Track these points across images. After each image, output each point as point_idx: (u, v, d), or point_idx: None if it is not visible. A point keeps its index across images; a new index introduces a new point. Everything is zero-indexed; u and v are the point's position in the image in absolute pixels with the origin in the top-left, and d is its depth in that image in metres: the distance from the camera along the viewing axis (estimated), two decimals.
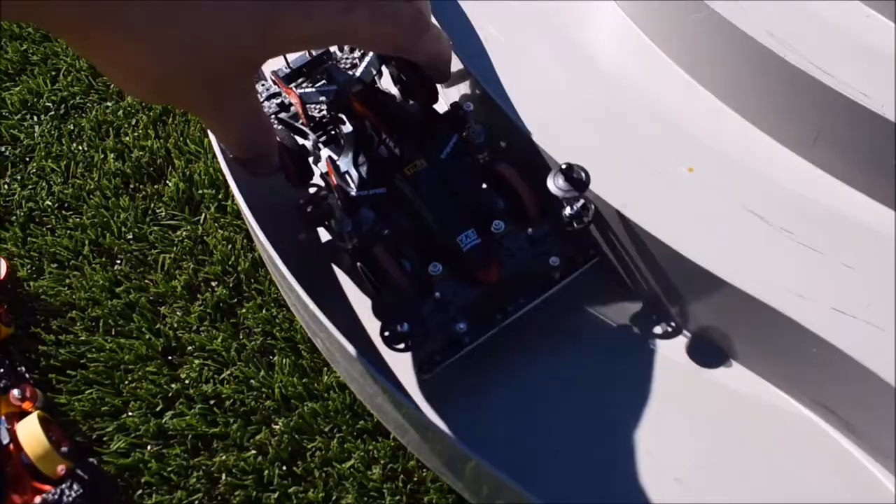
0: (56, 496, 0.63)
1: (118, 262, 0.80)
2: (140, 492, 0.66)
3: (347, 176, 0.48)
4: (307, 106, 0.51)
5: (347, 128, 0.48)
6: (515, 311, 0.48)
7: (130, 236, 0.81)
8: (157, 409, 0.69)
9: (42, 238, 0.82)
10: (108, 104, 0.93)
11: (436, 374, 0.48)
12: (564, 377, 0.50)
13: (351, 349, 0.48)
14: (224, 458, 0.66)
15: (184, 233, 0.80)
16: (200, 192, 0.82)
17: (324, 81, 0.52)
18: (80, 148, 0.89)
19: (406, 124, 0.47)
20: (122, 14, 0.30)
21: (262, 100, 0.53)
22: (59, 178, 0.87)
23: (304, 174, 0.49)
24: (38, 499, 0.64)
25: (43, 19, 0.30)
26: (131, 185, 0.85)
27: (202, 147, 0.86)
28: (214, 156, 0.83)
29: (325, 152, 0.50)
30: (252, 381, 0.69)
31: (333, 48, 0.53)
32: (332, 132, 0.51)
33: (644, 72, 0.57)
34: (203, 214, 0.81)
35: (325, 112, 0.51)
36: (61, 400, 0.71)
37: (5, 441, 0.66)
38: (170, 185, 0.83)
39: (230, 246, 0.77)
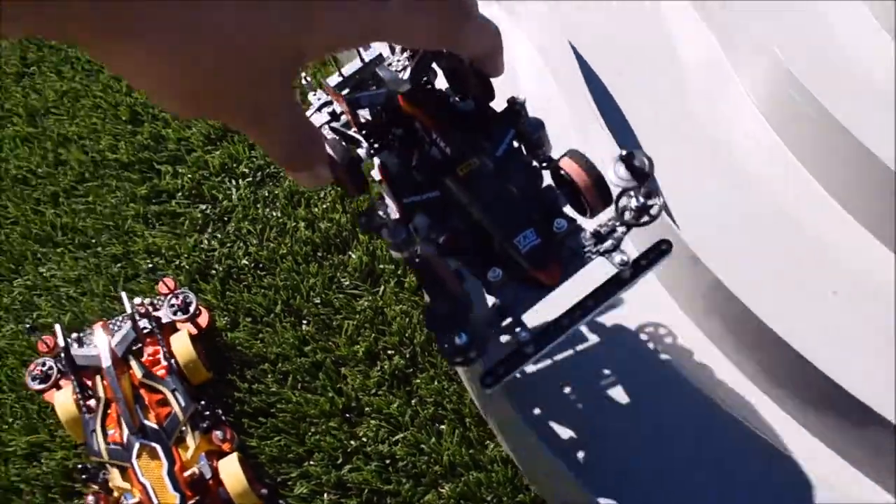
0: None
1: (305, 322, 1.00)
2: None
3: (400, 181, 0.50)
4: (357, 112, 0.53)
5: (399, 131, 0.51)
6: (583, 316, 0.48)
7: (318, 300, 1.01)
8: (338, 461, 0.88)
9: (239, 294, 1.03)
10: None
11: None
12: None
13: (523, 425, 0.64)
14: None
15: (365, 302, 0.99)
16: (381, 266, 1.01)
17: (374, 87, 0.55)
18: (274, 214, 1.11)
19: (457, 122, 0.48)
20: (140, 19, 0.30)
21: (313, 110, 0.55)
22: (255, 240, 1.09)
23: (359, 184, 0.49)
24: None
25: (50, 29, 0.30)
26: (319, 253, 1.05)
27: None
28: None
29: (377, 160, 0.51)
30: (423, 446, 0.86)
31: (385, 52, 0.56)
32: (385, 137, 0.52)
33: (791, 192, 0.70)
34: (383, 287, 1.00)
35: (377, 117, 0.53)
36: (251, 443, 0.91)
37: (207, 476, 0.85)
38: (353, 257, 1.03)
39: (407, 319, 0.96)
